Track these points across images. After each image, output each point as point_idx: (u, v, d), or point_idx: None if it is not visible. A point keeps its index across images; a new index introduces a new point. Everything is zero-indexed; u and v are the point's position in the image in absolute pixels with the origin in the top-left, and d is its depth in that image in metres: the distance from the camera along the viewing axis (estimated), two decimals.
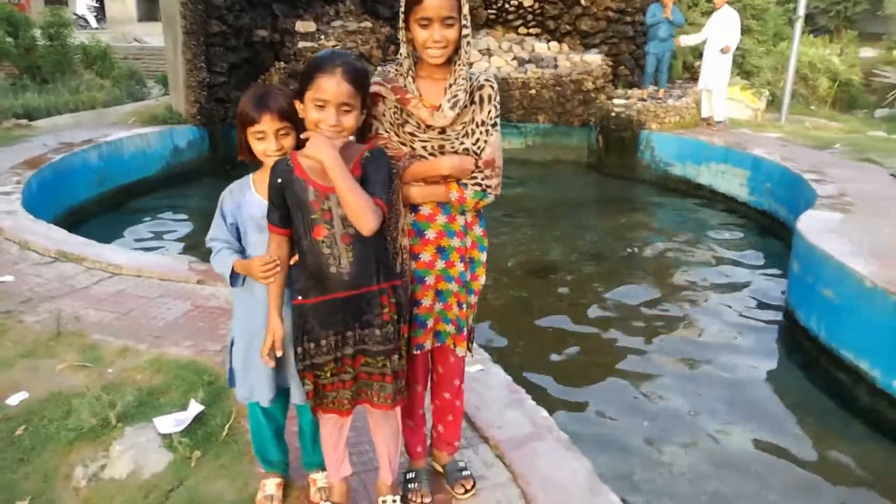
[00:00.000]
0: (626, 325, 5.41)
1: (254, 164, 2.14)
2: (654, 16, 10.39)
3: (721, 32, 10.00)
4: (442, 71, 2.11)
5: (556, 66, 11.45)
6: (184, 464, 2.65)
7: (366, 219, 1.89)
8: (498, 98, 2.17)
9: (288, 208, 1.98)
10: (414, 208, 2.15)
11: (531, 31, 12.21)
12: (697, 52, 13.69)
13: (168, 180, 9.21)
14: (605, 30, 11.82)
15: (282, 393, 2.25)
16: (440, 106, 2.09)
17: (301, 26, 11.17)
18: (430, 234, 2.16)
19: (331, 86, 1.91)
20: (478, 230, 2.27)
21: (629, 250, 7.33)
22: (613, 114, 10.46)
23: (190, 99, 9.94)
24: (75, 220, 7.54)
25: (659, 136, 10.07)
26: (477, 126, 2.13)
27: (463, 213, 2.19)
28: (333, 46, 10.72)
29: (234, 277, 2.12)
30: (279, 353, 2.07)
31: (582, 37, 11.95)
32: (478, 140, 2.13)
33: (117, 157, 8.61)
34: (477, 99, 2.14)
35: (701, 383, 4.57)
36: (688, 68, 13.33)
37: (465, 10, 2.04)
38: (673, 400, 4.33)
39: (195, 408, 2.90)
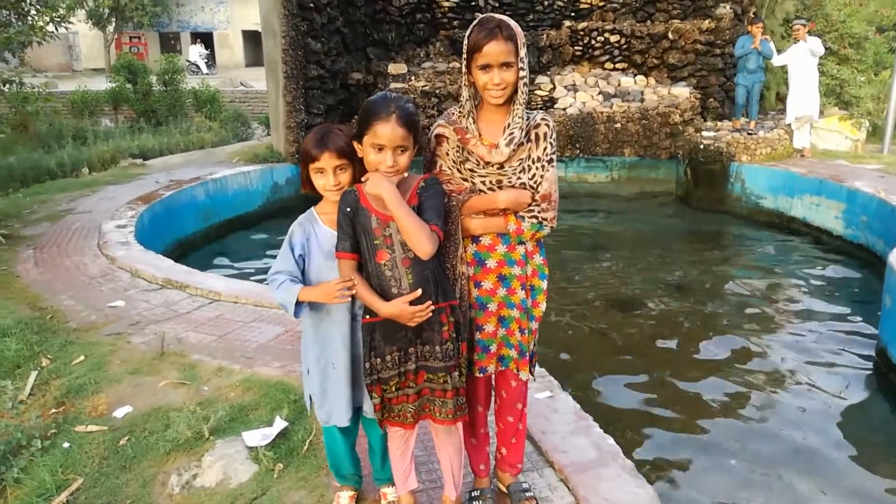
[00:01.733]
0: (708, 361, 5.33)
1: (315, 195, 2.35)
2: (742, 47, 10.27)
3: (804, 63, 9.80)
4: (501, 111, 2.28)
5: (642, 100, 11.44)
6: (267, 475, 2.88)
7: (422, 243, 2.07)
8: (554, 136, 2.32)
9: (356, 235, 2.18)
10: (475, 239, 2.32)
11: (618, 65, 12.26)
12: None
13: (267, 215, 9.75)
14: (693, 62, 11.74)
15: (353, 412, 2.43)
16: (498, 144, 2.25)
17: (393, 69, 11.67)
18: (491, 262, 2.32)
19: (387, 131, 2.10)
20: (538, 259, 2.41)
21: (716, 284, 7.21)
22: (702, 146, 10.32)
23: (289, 139, 10.54)
24: (183, 251, 8.13)
25: (749, 168, 9.86)
26: (533, 162, 2.28)
27: (521, 243, 2.33)
28: (423, 87, 11.15)
29: (298, 307, 2.28)
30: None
31: (669, 70, 11.90)
32: (534, 175, 2.28)
33: (222, 193, 9.22)
34: (533, 137, 2.29)
35: (784, 425, 4.44)
36: (781, 99, 12.99)
37: (522, 53, 2.21)
38: (752, 442, 4.25)
39: (280, 424, 3.13)
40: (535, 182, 2.29)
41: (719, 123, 11.08)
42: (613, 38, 12.03)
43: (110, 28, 33.85)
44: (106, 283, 5.23)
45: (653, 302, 6.67)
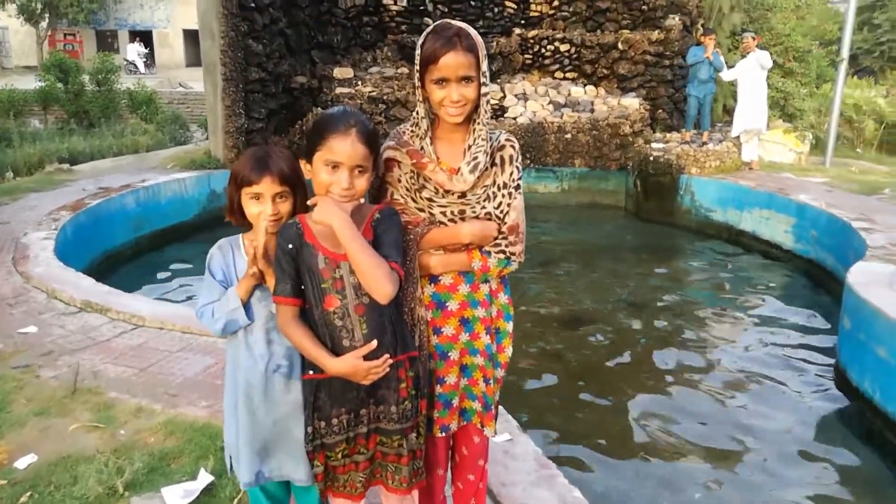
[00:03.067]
0: (665, 384, 5.15)
1: (241, 226, 2.02)
2: (695, 56, 10.25)
3: (752, 76, 9.84)
4: (460, 131, 1.99)
5: (592, 110, 11.34)
6: None
7: (381, 284, 1.75)
8: (520, 159, 2.03)
9: (299, 276, 1.85)
10: (433, 279, 2.00)
11: (568, 75, 12.15)
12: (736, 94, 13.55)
13: (204, 225, 9.22)
14: (642, 73, 11.70)
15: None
16: (459, 169, 1.96)
17: (339, 73, 11.29)
18: (453, 305, 2.01)
19: (345, 147, 1.80)
20: (503, 298, 2.11)
21: (669, 300, 7.07)
22: (652, 158, 10.26)
23: (228, 144, 10.05)
24: (111, 265, 7.59)
25: (699, 181, 9.83)
26: (499, 189, 1.99)
27: (486, 281, 2.03)
28: (370, 92, 10.81)
29: (248, 308, 1.95)
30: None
31: (619, 80, 11.84)
32: (500, 204, 1.99)
33: (154, 202, 8.69)
34: (498, 160, 2.00)
35: (746, 448, 4.29)
36: (728, 111, 13.11)
37: (484, 66, 1.92)
38: (717, 467, 4.06)
39: (204, 478, 2.76)
40: (501, 212, 1.99)
41: (668, 135, 11.05)
42: (563, 48, 11.92)
43: (43, 24, 32.45)
44: (18, 306, 4.73)
45: (607, 319, 6.49)
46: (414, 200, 1.99)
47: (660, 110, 11.70)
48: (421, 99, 1.97)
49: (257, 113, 10.31)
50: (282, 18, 10.84)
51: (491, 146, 1.99)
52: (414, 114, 2.01)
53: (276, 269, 1.87)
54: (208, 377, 3.72)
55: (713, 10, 13.76)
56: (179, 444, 3.07)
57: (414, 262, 1.94)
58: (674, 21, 11.75)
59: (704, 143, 10.39)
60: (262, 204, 1.92)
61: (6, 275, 5.30)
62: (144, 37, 35.87)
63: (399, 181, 2.00)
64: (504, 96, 11.55)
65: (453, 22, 1.91)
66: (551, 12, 12.59)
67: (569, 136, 10.98)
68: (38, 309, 4.68)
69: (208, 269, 2.00)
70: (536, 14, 12.65)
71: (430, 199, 1.97)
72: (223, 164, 10.04)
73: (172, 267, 7.80)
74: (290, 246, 1.84)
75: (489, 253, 1.98)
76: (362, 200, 1.88)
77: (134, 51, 33.73)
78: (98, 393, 3.50)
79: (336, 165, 1.81)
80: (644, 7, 12.08)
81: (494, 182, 1.99)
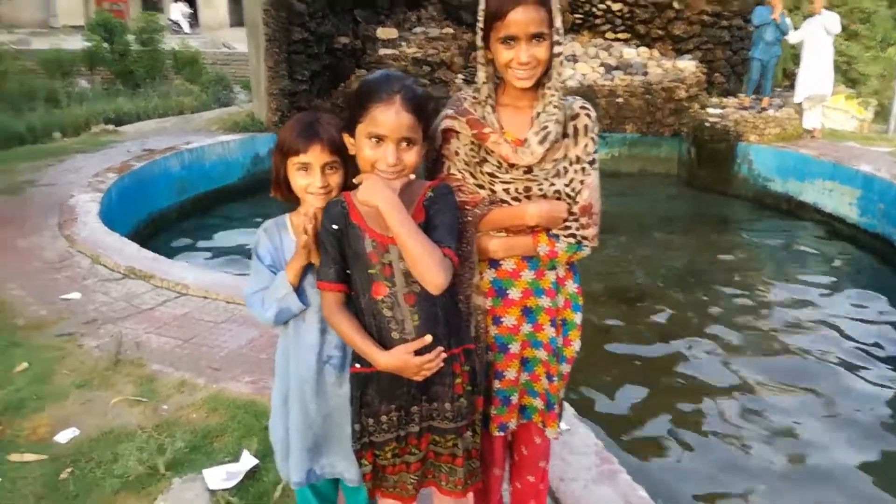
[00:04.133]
0: (724, 365, 4.90)
1: (287, 201, 1.84)
2: (761, 17, 9.71)
3: (820, 38, 9.28)
4: (528, 97, 1.77)
5: (645, 73, 10.88)
6: None
7: (432, 273, 1.57)
8: (597, 129, 1.81)
9: (344, 260, 1.68)
10: (494, 263, 1.81)
11: (620, 36, 11.66)
12: (798, 58, 12.89)
13: (248, 189, 9.13)
14: (699, 34, 11.18)
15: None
16: (526, 140, 1.74)
17: (382, 33, 11.02)
18: (515, 293, 1.81)
19: (389, 117, 1.59)
20: (572, 286, 1.91)
21: (724, 274, 6.78)
22: (708, 124, 9.83)
23: (272, 107, 9.92)
24: (156, 228, 7.58)
25: (758, 149, 9.39)
26: (571, 163, 1.78)
27: (553, 268, 1.83)
28: (414, 53, 10.53)
29: (301, 296, 1.77)
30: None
31: (674, 42, 11.33)
32: (572, 181, 1.78)
33: (198, 164, 8.63)
34: (571, 130, 1.78)
35: (812, 434, 4.05)
36: (788, 76, 12.50)
37: (558, 22, 1.69)
38: (786, 456, 3.84)
39: (248, 461, 2.65)
40: (572, 190, 1.78)
41: (725, 100, 10.57)
42: (616, 7, 11.43)
43: None
44: (62, 271, 4.69)
45: (659, 293, 6.25)
46: (473, 176, 1.79)
47: (717, 74, 11.19)
48: (484, 61, 1.75)
49: (300, 74, 10.13)
50: None
51: (563, 114, 1.77)
52: (476, 78, 1.80)
53: (320, 252, 1.70)
54: (252, 350, 3.61)
55: None
56: (222, 422, 2.97)
57: (472, 245, 1.75)
58: None
59: (764, 109, 9.91)
60: (310, 175, 1.74)
61: (51, 238, 5.27)
62: None
63: (457, 154, 1.80)
64: None
65: None
66: None
67: (620, 100, 10.57)
68: (83, 274, 4.63)
69: (255, 253, 1.84)
70: None
71: (491, 175, 1.76)
72: (267, 127, 9.93)
73: (217, 233, 7.75)
74: (335, 227, 1.67)
75: (557, 236, 1.77)
76: (413, 176, 1.67)
77: (178, 10, 33.67)
78: (140, 365, 3.42)
79: (380, 138, 1.61)
80: None
81: (566, 156, 1.78)
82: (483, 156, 1.78)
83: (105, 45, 16.11)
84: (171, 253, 6.41)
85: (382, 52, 10.67)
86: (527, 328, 1.83)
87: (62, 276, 4.61)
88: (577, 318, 1.92)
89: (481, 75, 1.77)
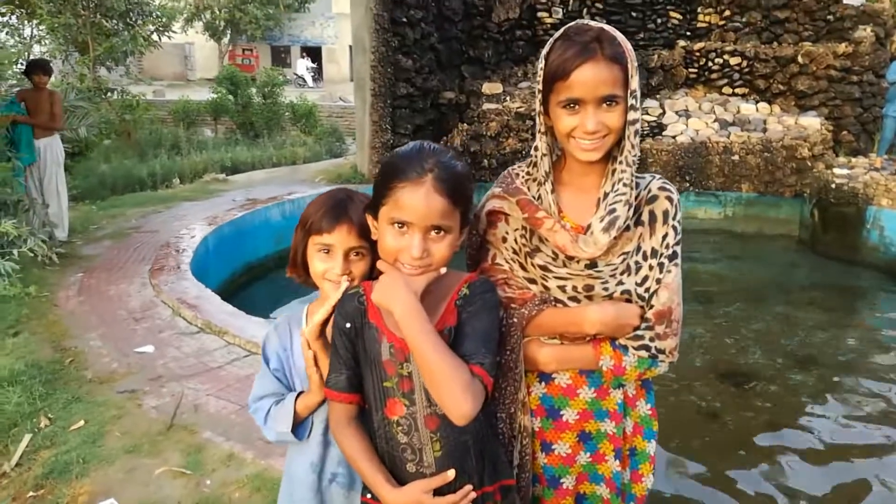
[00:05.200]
0: (840, 462, 4.25)
1: (305, 284, 1.60)
2: (895, 74, 8.93)
3: None
4: (594, 174, 1.46)
5: (765, 129, 10.21)
6: None
7: (456, 400, 1.25)
8: (679, 216, 1.46)
9: (358, 364, 1.40)
10: (545, 377, 1.48)
11: (737, 90, 11.05)
12: None
13: None
14: (825, 90, 10.40)
15: None
16: (589, 227, 1.42)
17: (488, 88, 10.94)
18: (570, 414, 1.47)
19: (416, 201, 1.31)
20: (644, 407, 1.54)
21: (850, 356, 6.02)
22: (834, 185, 9.01)
23: (373, 160, 9.97)
24: (252, 276, 7.65)
25: (891, 215, 8.48)
26: (645, 257, 1.43)
27: (620, 385, 1.48)
28: (518, 108, 10.35)
29: (303, 427, 1.56)
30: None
31: (797, 97, 10.60)
32: (646, 279, 1.43)
33: (297, 215, 8.67)
34: (647, 216, 1.45)
35: None
36: None
37: (634, 84, 1.38)
38: None
39: None
40: (646, 290, 1.43)
41: (854, 160, 9.71)
42: (734, 61, 10.85)
43: (225, 40, 35.01)
44: (143, 321, 4.70)
45: (774, 375, 5.59)
46: (524, 268, 1.48)
47: (844, 132, 10.34)
48: (543, 129, 1.45)
49: (403, 129, 10.16)
50: (433, 33, 10.65)
51: (637, 196, 1.44)
52: (532, 150, 1.49)
53: (332, 353, 1.43)
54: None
55: None
56: (265, 503, 2.74)
57: (517, 353, 1.43)
58: (864, 33, 10.36)
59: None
60: (332, 259, 1.50)
61: (140, 287, 5.34)
62: (314, 52, 37.68)
63: (504, 241, 1.49)
64: (664, 113, 10.69)
65: (592, 23, 1.38)
66: (721, 23, 11.54)
67: (736, 157, 9.93)
68: (161, 326, 4.61)
69: (262, 354, 1.60)
70: (704, 25, 11.65)
71: (545, 268, 1.44)
72: (367, 179, 9.98)
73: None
74: (349, 325, 1.40)
75: (626, 348, 1.42)
76: (444, 270, 1.38)
77: (303, 65, 35.50)
78: (193, 431, 3.27)
79: (406, 225, 1.34)
80: (829, 17, 10.77)
81: (639, 248, 1.44)
82: (536, 244, 1.46)
83: (230, 97, 17.02)
84: (264, 303, 6.40)
85: (486, 106, 10.56)
86: (584, 458, 1.48)
87: (141, 326, 4.60)
88: (651, 447, 1.54)
89: (539, 147, 1.46)
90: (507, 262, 1.49)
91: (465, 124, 10.45)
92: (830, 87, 10.42)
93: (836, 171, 9.31)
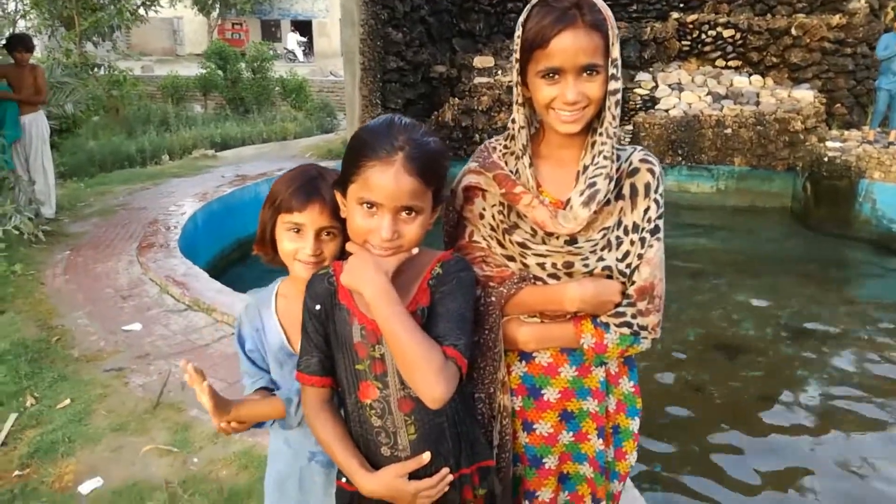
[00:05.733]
0: (833, 433, 4.28)
1: (272, 263, 1.55)
2: (887, 48, 8.86)
3: None
4: (574, 146, 1.41)
5: (758, 103, 10.14)
6: None
7: (428, 383, 1.21)
8: (661, 188, 1.42)
9: (330, 347, 1.37)
10: (526, 356, 1.45)
11: (730, 63, 10.96)
12: None
13: None
14: (818, 62, 10.34)
15: None
16: (568, 201, 1.38)
17: (479, 61, 10.82)
18: (551, 393, 1.44)
19: (386, 181, 1.24)
20: (627, 385, 1.51)
21: (842, 328, 6.04)
22: (826, 158, 8.98)
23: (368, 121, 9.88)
24: (243, 252, 7.59)
25: (883, 187, 8.46)
26: (626, 232, 1.39)
27: (602, 363, 1.46)
28: (510, 81, 10.23)
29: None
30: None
31: (791, 70, 10.53)
32: (627, 254, 1.39)
33: None
34: (627, 190, 1.40)
35: None
36: None
37: (615, 53, 1.33)
38: None
39: None
40: (627, 266, 1.39)
41: (847, 133, 9.68)
42: (727, 33, 10.75)
43: (214, 14, 34.48)
44: (130, 299, 4.66)
45: (763, 348, 5.61)
46: (501, 245, 1.43)
47: (838, 104, 10.30)
48: (520, 101, 1.40)
49: (394, 103, 10.06)
50: (423, 6, 10.52)
51: (618, 169, 1.40)
52: (510, 122, 1.44)
53: (302, 336, 1.40)
54: None
55: None
56: (251, 482, 2.73)
57: (496, 332, 1.40)
58: (858, 4, 10.29)
59: (892, 144, 8.98)
60: (302, 239, 1.45)
61: (127, 265, 5.30)
62: (305, 26, 37.21)
63: (482, 217, 1.45)
64: (656, 86, 10.61)
65: None
66: None
67: (728, 130, 9.87)
68: (148, 304, 4.57)
69: (237, 337, 1.57)
70: None
71: (523, 245, 1.40)
72: None
73: None
74: (318, 307, 1.35)
75: (607, 325, 1.39)
76: (416, 250, 1.33)
77: (293, 40, 35.06)
78: (180, 409, 3.26)
79: (374, 206, 1.28)
80: None
81: (620, 222, 1.40)
82: (514, 220, 1.42)
83: (219, 72, 16.81)
84: (253, 280, 6.37)
85: (477, 80, 10.46)
86: (567, 437, 1.46)
87: (129, 304, 4.57)
88: (634, 424, 1.51)
89: (516, 120, 1.41)
90: (484, 239, 1.45)
91: (456, 98, 10.36)
92: (824, 60, 10.36)
93: (829, 144, 9.28)
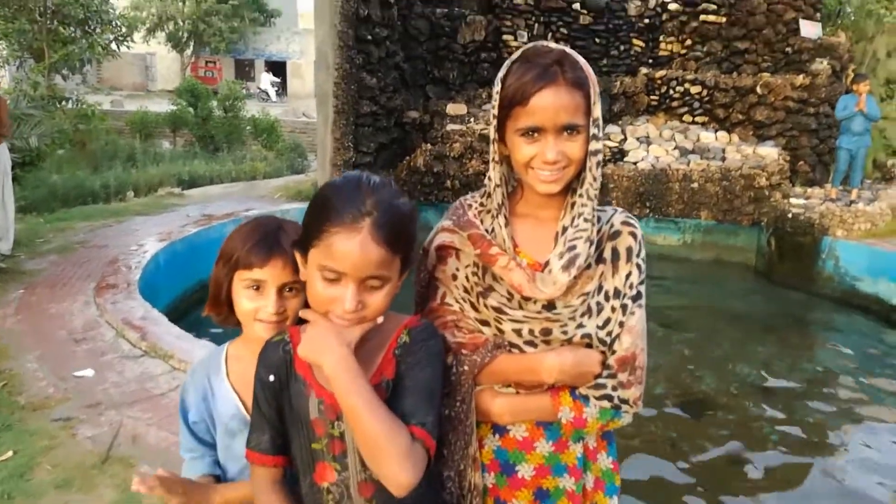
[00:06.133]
0: (798, 494, 4.22)
1: (224, 324, 1.46)
2: (845, 108, 9.13)
3: None
4: (553, 206, 1.36)
5: (723, 158, 10.34)
6: None
7: (392, 469, 1.12)
8: (643, 253, 1.37)
9: (283, 423, 1.26)
10: (500, 429, 1.37)
11: (697, 119, 11.20)
12: (892, 148, 12.10)
13: None
14: (783, 121, 10.60)
15: None
16: (547, 263, 1.33)
17: (452, 109, 10.90)
18: (525, 470, 1.36)
19: (351, 250, 1.15)
20: (605, 461, 1.43)
21: (806, 386, 6.05)
22: (790, 215, 9.15)
23: (334, 178, 9.80)
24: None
25: (846, 245, 8.63)
26: (607, 298, 1.34)
27: (580, 438, 1.38)
28: (482, 130, 10.31)
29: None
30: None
31: (756, 127, 10.78)
32: (608, 321, 1.33)
33: None
34: (609, 254, 1.35)
35: None
36: (879, 167, 11.73)
37: (596, 111, 1.29)
38: None
39: None
40: (608, 334, 1.33)
41: (810, 190, 9.91)
42: (694, 90, 11.00)
43: (188, 52, 34.54)
44: (84, 343, 4.48)
45: (730, 404, 5.58)
46: (475, 308, 1.36)
47: (801, 162, 10.54)
48: (497, 158, 1.35)
49: (366, 147, 10.03)
50: (399, 52, 10.60)
51: (598, 231, 1.35)
52: (486, 180, 1.39)
53: (252, 410, 1.29)
54: None
55: (866, 55, 12.50)
56: None
57: (468, 403, 1.32)
58: (822, 65, 10.61)
59: (853, 202, 9.20)
60: (263, 297, 1.36)
61: (83, 305, 5.10)
62: (279, 67, 37.41)
63: (455, 278, 1.38)
64: (625, 139, 10.77)
65: (551, 44, 1.29)
66: (683, 52, 11.74)
67: (695, 185, 10.03)
68: (103, 349, 4.39)
69: (180, 405, 1.47)
70: (666, 53, 11.84)
71: (499, 310, 1.33)
72: None
73: None
74: (272, 378, 1.25)
75: (587, 398, 1.32)
76: (380, 319, 1.24)
77: (267, 80, 35.20)
78: (130, 465, 3.08)
79: (337, 277, 1.18)
80: (788, 49, 11.02)
81: (601, 287, 1.34)
82: (489, 283, 1.35)
83: (190, 109, 16.72)
84: (216, 324, 6.20)
85: (450, 127, 10.52)
86: None
87: (82, 348, 4.39)
88: (612, 503, 1.43)
89: (493, 177, 1.35)
90: (457, 301, 1.38)
91: (428, 144, 10.38)
92: (788, 118, 10.62)
93: (793, 200, 9.47)
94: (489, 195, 1.38)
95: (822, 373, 6.44)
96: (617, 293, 1.34)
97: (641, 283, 1.36)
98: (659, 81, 11.20)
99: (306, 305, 1.35)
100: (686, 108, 11.19)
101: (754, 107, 10.74)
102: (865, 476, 4.48)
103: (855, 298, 8.39)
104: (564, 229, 1.33)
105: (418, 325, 1.29)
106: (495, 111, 1.31)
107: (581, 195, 1.32)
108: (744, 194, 9.85)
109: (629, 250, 1.35)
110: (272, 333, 1.33)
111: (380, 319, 1.23)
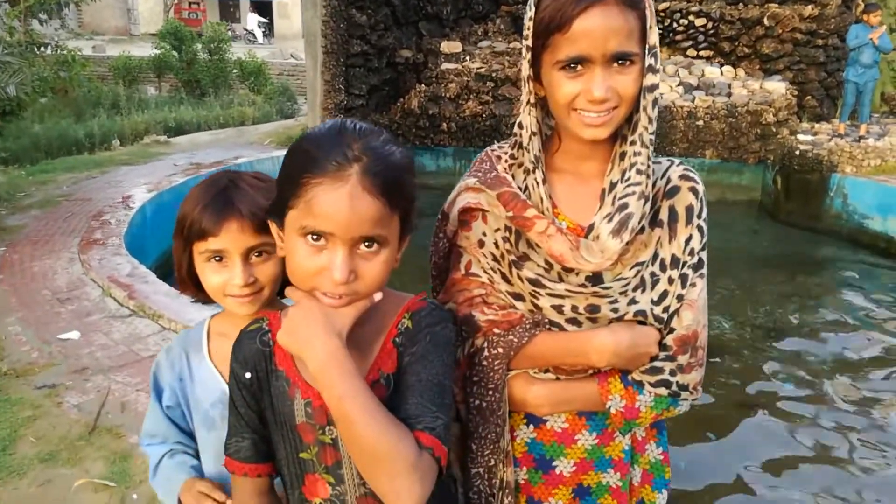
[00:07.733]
0: (814, 438, 4.11)
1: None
2: (857, 38, 8.76)
3: None
4: (598, 157, 1.12)
5: (729, 94, 10.00)
6: None
7: (395, 485, 0.90)
8: (705, 213, 1.14)
9: (265, 425, 1.05)
10: (534, 419, 1.16)
11: (702, 53, 10.81)
12: None
13: None
14: (790, 53, 10.22)
15: None
16: (592, 228, 1.09)
17: (446, 46, 10.47)
18: (565, 466, 1.16)
19: (338, 204, 0.92)
20: (655, 452, 1.23)
21: (816, 327, 5.91)
22: (798, 152, 8.88)
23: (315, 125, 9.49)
24: None
25: (854, 182, 8.40)
26: (663, 268, 1.11)
27: (629, 430, 1.17)
28: (478, 68, 9.92)
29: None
30: None
31: (762, 61, 10.40)
32: (665, 295, 1.11)
33: None
34: (666, 215, 1.13)
35: None
36: (887, 100, 11.40)
37: (654, 37, 1.03)
38: None
39: None
40: (664, 310, 1.11)
41: (818, 126, 9.61)
42: (699, 22, 10.57)
43: None
44: (69, 303, 4.26)
45: (737, 347, 5.46)
46: (507, 281, 1.13)
47: (809, 97, 10.21)
48: (532, 100, 1.10)
49: (358, 89, 9.67)
50: None
51: (653, 186, 1.12)
52: (516, 126, 1.13)
53: (229, 411, 1.07)
54: None
55: None
56: None
57: (501, 391, 1.10)
58: None
59: (862, 138, 8.93)
60: (228, 268, 1.14)
61: (67, 263, 4.87)
62: (265, 6, 36.31)
63: (482, 245, 1.14)
64: None
65: None
66: None
67: (700, 122, 9.71)
68: (88, 309, 4.17)
69: (153, 385, 1.25)
70: None
71: (535, 282, 1.10)
72: None
73: None
74: (249, 375, 1.02)
75: (641, 385, 1.11)
76: (379, 296, 1.00)
77: (253, 20, 34.21)
78: (118, 435, 2.90)
79: (323, 237, 0.95)
80: None
81: (656, 255, 1.11)
82: (524, 251, 1.11)
83: (174, 53, 16.16)
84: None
85: (445, 66, 10.12)
86: None
87: (66, 309, 4.17)
88: (661, 499, 1.23)
89: (526, 124, 1.10)
90: (485, 272, 1.14)
91: (422, 85, 10.01)
92: (795, 51, 10.25)
93: (801, 137, 9.19)
94: (520, 146, 1.13)
95: (832, 312, 6.30)
96: (675, 262, 1.12)
97: (703, 248, 1.14)
98: (662, 14, 10.73)
99: (281, 275, 1.12)
100: (690, 42, 10.77)
101: (761, 39, 10.34)
102: (875, 411, 4.39)
103: (864, 237, 8.21)
104: (613, 185, 1.10)
105: (423, 306, 1.05)
106: (528, 41, 1.06)
107: (633, 142, 1.08)
108: (750, 131, 9.55)
109: (689, 210, 1.13)
110: (250, 308, 1.12)
111: (377, 297, 1.00)
